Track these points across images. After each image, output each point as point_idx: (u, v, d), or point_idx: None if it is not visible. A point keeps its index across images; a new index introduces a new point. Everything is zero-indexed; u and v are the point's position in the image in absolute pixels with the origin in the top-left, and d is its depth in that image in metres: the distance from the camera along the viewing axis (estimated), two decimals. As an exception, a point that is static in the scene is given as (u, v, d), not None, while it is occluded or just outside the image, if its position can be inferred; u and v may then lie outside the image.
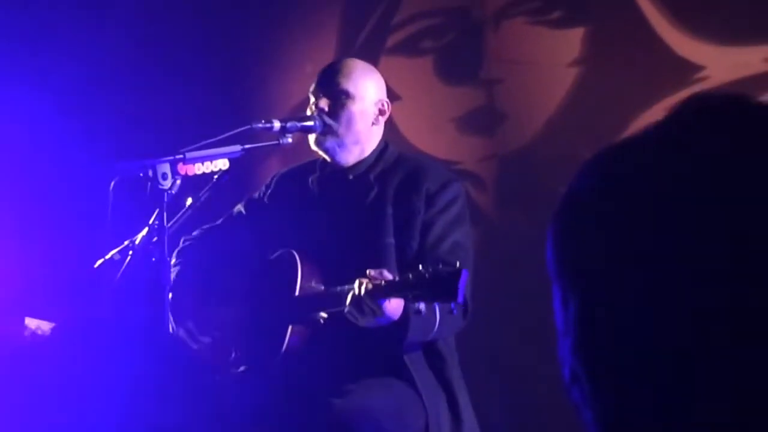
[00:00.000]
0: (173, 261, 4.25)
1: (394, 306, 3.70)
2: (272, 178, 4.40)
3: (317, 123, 4.07)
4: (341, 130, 4.08)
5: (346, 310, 3.70)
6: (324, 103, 4.08)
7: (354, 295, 3.67)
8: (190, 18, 6.14)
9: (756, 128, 0.98)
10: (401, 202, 4.05)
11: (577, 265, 1.01)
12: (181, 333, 4.13)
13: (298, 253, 4.01)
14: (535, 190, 5.13)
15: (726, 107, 1.01)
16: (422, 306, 3.59)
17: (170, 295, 3.98)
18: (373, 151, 4.17)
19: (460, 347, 4.18)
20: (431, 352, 4.06)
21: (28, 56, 6.09)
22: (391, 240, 3.99)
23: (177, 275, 4.18)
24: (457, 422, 4.03)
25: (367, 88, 4.14)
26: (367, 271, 3.67)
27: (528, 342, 4.77)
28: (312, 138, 4.12)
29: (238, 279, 4.19)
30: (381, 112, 4.17)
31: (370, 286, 3.62)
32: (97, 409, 1.37)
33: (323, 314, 3.85)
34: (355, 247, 4.01)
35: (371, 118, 4.15)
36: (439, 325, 3.78)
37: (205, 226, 4.36)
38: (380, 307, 3.65)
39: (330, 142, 4.09)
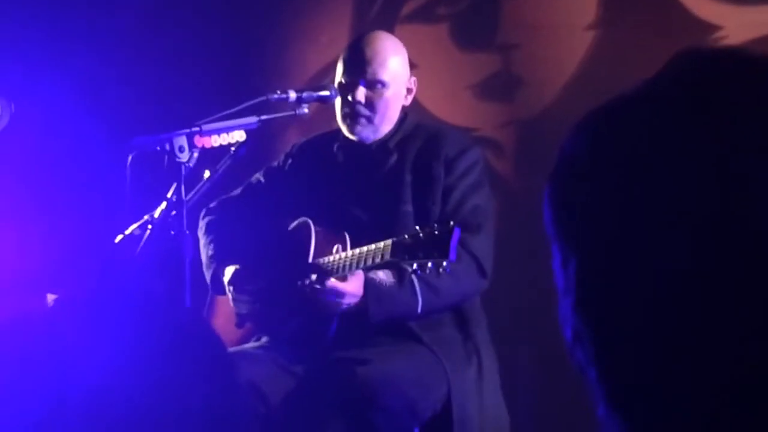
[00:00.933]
0: (203, 238, 4.29)
1: (350, 288, 3.77)
2: (292, 147, 4.41)
3: (333, 92, 4.08)
4: (377, 118, 4.12)
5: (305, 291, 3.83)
6: (361, 95, 4.09)
7: (309, 283, 3.79)
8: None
9: (748, 78, 0.97)
10: (420, 168, 4.07)
11: (574, 225, 1.00)
12: (241, 308, 4.19)
13: (313, 222, 4.03)
14: (553, 154, 5.10)
15: (716, 60, 1.00)
16: (394, 275, 3.80)
17: (226, 275, 4.06)
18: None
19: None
20: (456, 311, 4.08)
21: (44, 37, 6.09)
22: (409, 207, 4.02)
23: (214, 251, 4.22)
24: (479, 385, 4.04)
25: (400, 72, 4.17)
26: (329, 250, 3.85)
27: (550, 306, 4.74)
28: (345, 127, 4.15)
29: (259, 249, 4.21)
30: (409, 91, 4.22)
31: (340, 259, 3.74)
32: (117, 381, 1.37)
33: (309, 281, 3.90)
34: (373, 214, 4.04)
35: (402, 100, 4.19)
36: (427, 290, 3.83)
37: (223, 197, 4.38)
38: (327, 290, 3.76)
39: (366, 131, 4.12)
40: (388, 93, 4.12)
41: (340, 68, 4.17)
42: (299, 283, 3.89)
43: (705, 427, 0.92)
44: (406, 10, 5.78)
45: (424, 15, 5.74)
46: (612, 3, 5.28)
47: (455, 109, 5.61)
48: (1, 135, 5.79)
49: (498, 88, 5.55)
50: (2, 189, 5.80)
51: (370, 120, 4.12)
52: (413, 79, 4.22)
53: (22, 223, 5.76)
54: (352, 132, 4.14)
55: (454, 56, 5.65)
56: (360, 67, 4.11)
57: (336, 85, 4.13)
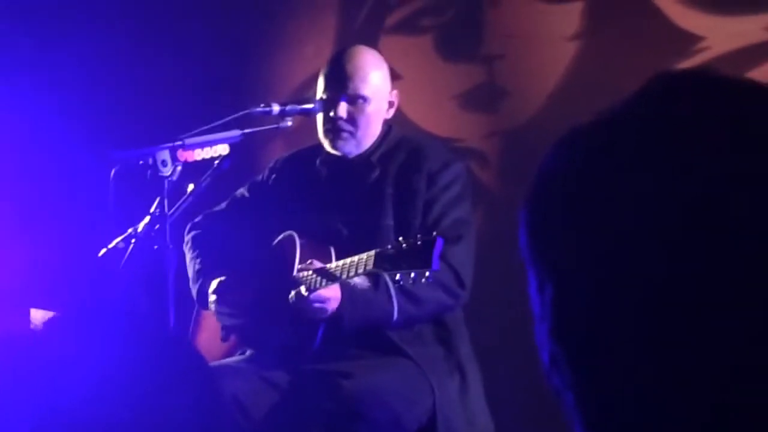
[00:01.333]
0: (189, 252, 4.29)
1: (331, 294, 3.80)
2: (275, 162, 4.42)
3: (317, 106, 4.08)
4: (359, 132, 4.12)
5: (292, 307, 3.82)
6: (343, 111, 4.09)
7: (295, 294, 3.79)
8: (188, 1, 6.12)
9: (717, 102, 0.97)
10: (402, 182, 4.07)
11: (550, 249, 1.00)
12: (224, 320, 4.19)
13: (298, 234, 4.04)
14: (537, 165, 5.11)
15: (693, 82, 1.00)
16: (369, 279, 3.81)
17: (214, 285, 4.07)
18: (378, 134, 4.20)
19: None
20: (438, 326, 4.08)
21: (27, 47, 6.07)
22: (390, 221, 4.02)
23: (201, 266, 4.22)
24: (464, 398, 4.04)
25: (381, 86, 4.17)
26: (300, 265, 3.89)
27: (532, 319, 4.74)
28: (327, 142, 4.16)
29: (245, 263, 4.21)
30: (390, 105, 4.21)
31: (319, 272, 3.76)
32: (99, 398, 1.36)
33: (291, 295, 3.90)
34: (355, 228, 4.05)
35: (384, 114, 4.19)
36: (403, 297, 3.83)
37: (208, 211, 4.38)
38: (316, 300, 3.78)
39: (348, 146, 4.12)
40: (370, 108, 4.12)
41: (321, 83, 4.17)
42: (291, 296, 3.89)
43: None
44: (390, 21, 5.78)
45: (408, 26, 5.74)
46: (595, 14, 5.29)
47: (440, 120, 5.61)
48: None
49: (482, 98, 5.55)
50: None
51: (352, 134, 4.12)
52: (395, 92, 4.22)
53: (4, 236, 5.74)
54: (334, 147, 4.14)
55: (438, 67, 5.65)
56: (341, 83, 4.11)
57: (317, 99, 4.13)
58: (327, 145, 4.17)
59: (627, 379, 0.94)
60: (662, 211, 0.92)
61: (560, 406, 1.03)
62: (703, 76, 1.00)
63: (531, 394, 4.98)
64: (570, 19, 5.33)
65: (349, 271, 3.75)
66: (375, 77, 4.15)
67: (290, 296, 3.88)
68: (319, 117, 4.14)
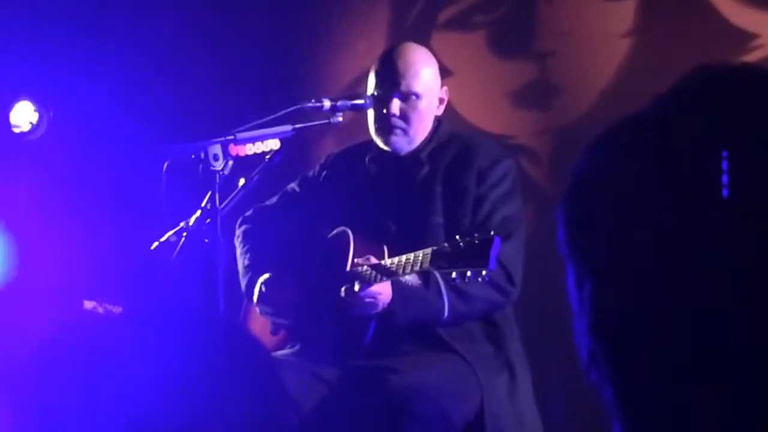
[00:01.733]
0: (239, 246, 4.31)
1: (382, 289, 3.78)
2: (326, 158, 4.43)
3: (368, 101, 4.09)
4: (412, 129, 4.13)
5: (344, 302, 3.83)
6: (396, 108, 4.10)
7: (346, 290, 3.79)
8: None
9: (753, 96, 0.96)
10: (451, 180, 4.07)
11: (589, 247, 1.00)
12: (273, 317, 4.20)
13: (352, 231, 4.04)
14: (574, 163, 5.08)
15: (731, 77, 0.99)
16: (420, 277, 3.81)
17: (259, 283, 4.09)
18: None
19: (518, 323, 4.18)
20: (488, 324, 4.07)
21: (82, 44, 6.12)
22: (439, 219, 4.02)
23: (250, 261, 4.24)
24: (513, 396, 4.03)
25: (432, 83, 4.18)
26: (355, 260, 3.85)
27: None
28: (379, 139, 4.17)
29: (294, 258, 4.22)
30: (441, 101, 4.22)
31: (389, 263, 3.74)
32: (152, 390, 1.37)
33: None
34: (404, 226, 4.05)
35: (435, 110, 4.20)
36: (455, 294, 3.83)
37: (259, 205, 4.40)
38: (368, 295, 3.77)
39: (401, 142, 4.13)
40: (422, 104, 4.12)
41: (372, 80, 4.17)
42: (343, 290, 3.88)
43: None
44: (443, 17, 5.78)
45: (460, 22, 5.73)
46: (649, 11, 5.26)
47: (491, 117, 5.60)
48: (40, 142, 5.83)
49: (534, 95, 5.54)
50: (40, 195, 5.84)
51: (404, 131, 4.13)
52: (445, 88, 4.22)
53: (59, 229, 5.79)
54: (386, 143, 4.15)
55: (490, 63, 5.64)
56: (393, 80, 4.12)
57: (368, 96, 4.14)
58: (379, 142, 4.18)
59: (664, 374, 0.93)
60: (703, 207, 0.92)
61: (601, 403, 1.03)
62: (739, 69, 0.99)
63: (579, 392, 4.97)
64: (623, 16, 5.31)
65: (405, 268, 3.75)
66: (426, 74, 4.15)
67: (341, 291, 3.88)
68: (371, 114, 4.15)
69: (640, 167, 0.97)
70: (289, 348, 4.21)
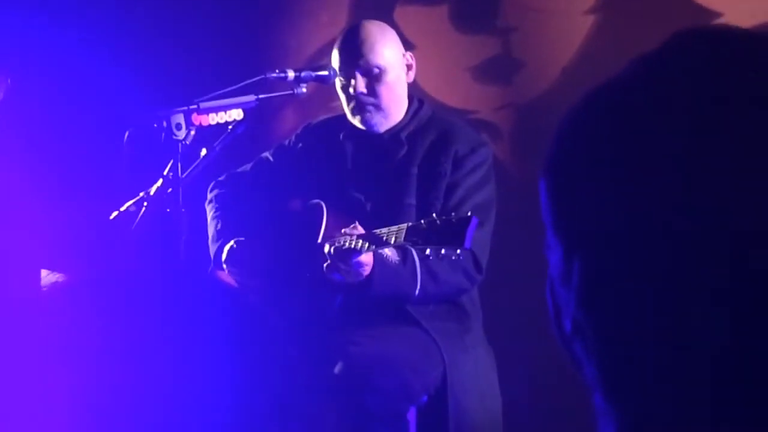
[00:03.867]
0: (210, 210, 4.30)
1: (366, 260, 3.77)
2: (303, 129, 4.42)
3: (332, 72, 4.08)
4: (383, 103, 4.12)
5: (325, 267, 3.79)
6: (361, 85, 4.09)
7: (327, 252, 3.77)
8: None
9: (737, 54, 0.95)
10: (428, 163, 4.08)
11: (577, 217, 0.98)
12: (236, 279, 4.18)
13: (326, 204, 4.04)
14: (551, 138, 5.09)
15: (719, 39, 0.98)
16: (399, 253, 3.82)
17: (230, 244, 4.08)
18: (408, 110, 4.19)
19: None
20: (454, 304, 4.09)
21: (39, 8, 6.07)
22: (412, 201, 4.03)
23: (222, 227, 4.23)
24: (476, 376, 4.05)
25: (394, 54, 4.17)
26: (342, 230, 3.78)
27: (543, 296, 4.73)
28: (356, 120, 4.17)
29: (265, 227, 4.21)
30: (409, 67, 4.20)
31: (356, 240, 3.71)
32: (113, 357, 1.37)
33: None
34: (378, 204, 4.05)
35: (405, 79, 4.19)
36: (427, 274, 3.84)
37: (232, 172, 4.39)
38: (351, 263, 3.75)
39: (376, 118, 4.13)
40: (388, 77, 4.12)
41: (335, 62, 4.17)
42: (327, 247, 3.84)
43: (703, 421, 0.92)
44: (405, -10, 5.76)
45: (424, -4, 5.72)
46: (613, -12, 5.27)
47: (453, 91, 5.60)
48: (-2, 109, 5.78)
49: (496, 70, 5.54)
50: (-2, 163, 5.79)
51: (376, 107, 4.12)
52: (408, 54, 4.22)
53: (18, 198, 5.75)
54: (362, 123, 4.15)
55: (453, 38, 5.63)
56: (353, 57, 4.11)
57: (336, 81, 4.13)
58: (356, 123, 4.17)
59: (651, 349, 0.93)
60: (690, 180, 0.91)
61: (571, 393, 1.03)
62: (720, 30, 0.98)
63: (543, 375, 4.99)
64: (587, -8, 5.32)
65: (379, 241, 3.75)
66: (385, 46, 4.15)
67: (328, 249, 3.84)
68: (342, 97, 4.15)
69: (627, 131, 0.95)
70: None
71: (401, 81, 4.17)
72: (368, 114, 4.12)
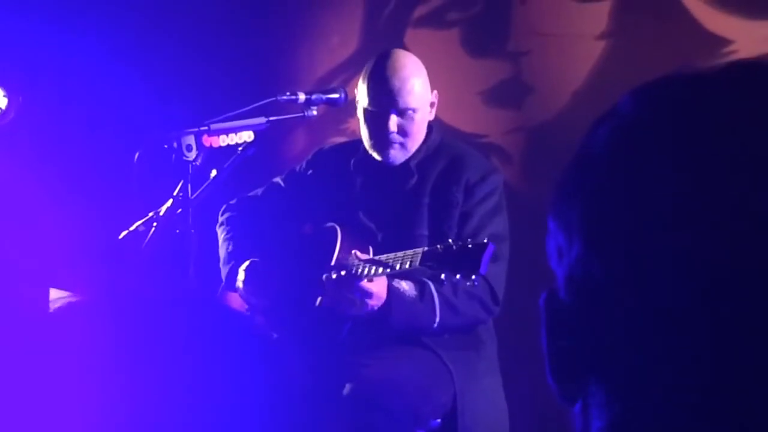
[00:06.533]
0: (222, 233, 4.30)
1: (375, 289, 3.77)
2: (314, 154, 4.41)
3: (342, 95, 4.08)
4: (409, 141, 4.13)
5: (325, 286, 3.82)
6: (394, 125, 4.08)
7: (330, 279, 3.78)
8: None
9: None
10: (439, 192, 4.08)
11: (597, 224, 0.98)
12: (250, 301, 4.18)
13: (341, 228, 4.04)
14: (561, 163, 5.08)
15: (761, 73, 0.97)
16: (417, 287, 3.83)
17: (244, 266, 4.10)
18: None
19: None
20: (470, 333, 4.08)
21: (53, 31, 6.09)
22: (424, 231, 4.03)
23: (233, 249, 4.23)
24: (488, 403, 4.04)
25: (425, 93, 4.15)
26: (354, 252, 3.82)
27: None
28: (375, 153, 4.16)
29: (279, 250, 4.21)
30: (432, 105, 4.20)
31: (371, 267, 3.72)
32: (120, 379, 1.36)
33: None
34: (390, 234, 4.04)
35: (428, 117, 4.19)
36: (446, 307, 3.84)
37: (244, 195, 4.39)
38: (356, 289, 3.75)
39: (398, 155, 4.14)
40: (418, 116, 4.11)
41: (364, 94, 4.13)
42: (326, 276, 3.86)
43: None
44: (417, 13, 5.78)
45: (435, 20, 5.73)
46: (623, 14, 5.28)
47: (464, 115, 5.61)
48: (9, 127, 5.80)
49: (507, 95, 5.55)
50: (8, 183, 5.80)
51: (403, 145, 4.12)
52: (434, 92, 4.20)
53: (28, 217, 5.76)
54: (384, 157, 4.13)
55: (464, 62, 5.64)
56: (390, 98, 4.08)
57: (361, 110, 4.12)
58: (375, 155, 4.15)
59: (651, 357, 0.93)
60: (711, 195, 0.90)
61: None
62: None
63: (549, 398, 4.97)
64: (598, 17, 5.32)
65: (394, 266, 3.73)
66: (419, 85, 4.12)
67: (330, 276, 3.84)
68: (365, 128, 4.14)
69: (648, 144, 0.95)
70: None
71: (426, 118, 4.16)
72: (393, 151, 4.11)
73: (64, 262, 5.56)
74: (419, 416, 3.90)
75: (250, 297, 4.17)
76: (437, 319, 3.90)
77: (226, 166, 3.95)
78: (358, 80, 4.21)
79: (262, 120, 3.92)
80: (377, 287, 3.82)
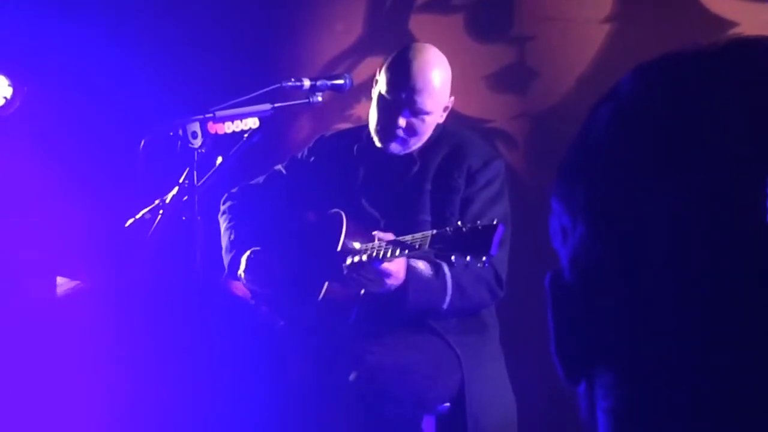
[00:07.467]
0: (224, 222, 4.30)
1: (395, 268, 3.76)
2: (316, 141, 4.41)
3: (347, 81, 4.08)
4: (414, 138, 4.13)
5: (345, 272, 3.79)
6: (403, 122, 4.07)
7: (353, 262, 3.76)
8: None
9: None
10: (441, 178, 4.07)
11: (601, 203, 0.98)
12: (253, 289, 4.18)
13: (345, 214, 4.04)
14: (566, 148, 5.09)
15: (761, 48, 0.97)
16: (432, 267, 3.81)
17: (246, 254, 4.10)
18: None
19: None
20: (475, 318, 4.09)
21: (58, 19, 6.09)
22: (427, 217, 4.03)
23: (235, 238, 4.23)
24: (495, 388, 4.05)
25: (444, 98, 4.13)
26: (374, 233, 3.78)
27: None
28: (377, 138, 4.14)
29: (281, 238, 4.21)
30: (446, 109, 4.18)
31: (387, 248, 3.69)
32: (126, 364, 1.38)
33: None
34: (392, 221, 4.03)
35: (439, 121, 4.17)
36: (456, 288, 3.85)
37: (245, 184, 4.39)
38: (376, 271, 3.74)
39: (398, 149, 4.13)
40: (429, 119, 4.09)
41: (385, 80, 4.10)
42: (350, 260, 3.83)
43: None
44: (421, -1, 5.78)
45: (439, 5, 5.73)
46: (628, -3, 5.27)
47: (468, 100, 5.60)
48: (14, 117, 5.81)
49: (512, 80, 5.55)
50: (14, 171, 5.81)
51: (405, 141, 4.11)
52: (452, 98, 4.17)
53: (34, 206, 5.77)
54: (384, 146, 4.11)
55: (468, 47, 5.64)
56: (408, 95, 4.06)
57: (377, 92, 4.11)
58: (376, 140, 4.14)
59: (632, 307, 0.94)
60: (715, 185, 0.90)
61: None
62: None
63: (555, 384, 4.98)
64: (602, 2, 5.32)
65: (404, 248, 3.71)
66: (440, 91, 4.10)
67: (347, 263, 3.84)
68: (374, 110, 4.13)
69: (653, 124, 0.95)
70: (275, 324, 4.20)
71: (437, 121, 4.14)
72: (394, 144, 4.10)
73: (71, 250, 5.57)
74: (426, 402, 3.91)
75: (253, 286, 4.17)
76: (447, 300, 3.91)
77: (231, 152, 3.95)
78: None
79: (267, 106, 3.91)
80: (396, 266, 3.81)
